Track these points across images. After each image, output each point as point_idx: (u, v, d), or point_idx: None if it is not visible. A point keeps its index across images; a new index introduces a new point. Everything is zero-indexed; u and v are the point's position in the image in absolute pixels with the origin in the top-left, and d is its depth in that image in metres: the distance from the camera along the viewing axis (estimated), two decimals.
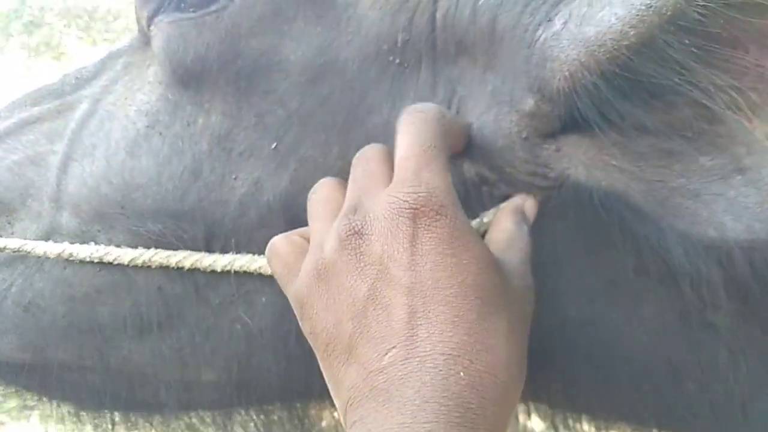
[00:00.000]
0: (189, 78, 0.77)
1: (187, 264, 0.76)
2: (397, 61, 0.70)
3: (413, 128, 0.61)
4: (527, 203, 0.65)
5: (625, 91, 0.55)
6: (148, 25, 0.82)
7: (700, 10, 0.48)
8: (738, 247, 0.54)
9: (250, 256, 0.74)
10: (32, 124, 0.91)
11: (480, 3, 0.63)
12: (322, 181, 0.68)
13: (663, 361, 0.69)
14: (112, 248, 0.78)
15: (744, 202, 0.53)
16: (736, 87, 0.52)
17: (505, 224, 0.63)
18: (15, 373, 0.90)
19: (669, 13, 0.48)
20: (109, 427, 0.93)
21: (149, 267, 0.77)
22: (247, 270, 0.74)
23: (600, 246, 0.65)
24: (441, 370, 0.50)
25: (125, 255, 0.77)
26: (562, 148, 0.61)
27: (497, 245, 0.62)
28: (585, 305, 0.68)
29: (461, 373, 0.50)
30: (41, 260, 0.83)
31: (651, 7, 0.49)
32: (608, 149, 0.58)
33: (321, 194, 0.66)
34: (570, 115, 0.58)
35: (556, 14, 0.58)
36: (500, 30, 0.62)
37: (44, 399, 0.95)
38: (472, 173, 0.67)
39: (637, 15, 0.49)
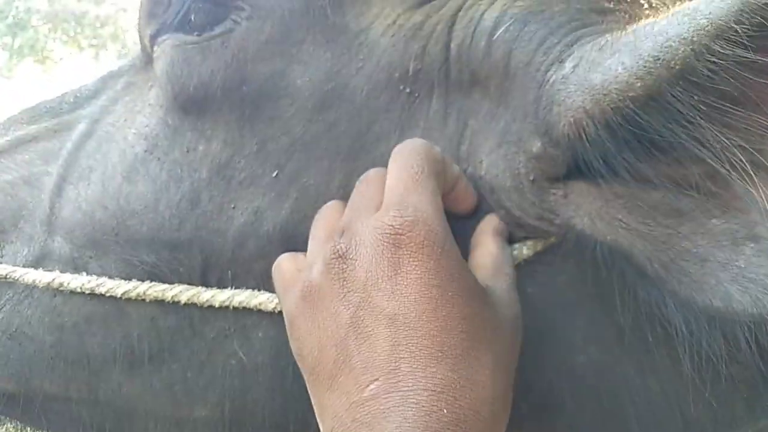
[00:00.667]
0: (191, 104, 0.74)
1: (183, 299, 0.73)
2: (408, 90, 0.68)
3: (402, 156, 0.61)
4: (502, 224, 0.63)
5: (630, 142, 0.53)
6: (152, 45, 0.80)
7: (710, 66, 0.46)
8: (744, 321, 0.52)
9: (249, 291, 0.72)
10: (28, 143, 0.88)
11: (496, 36, 0.62)
12: (327, 204, 0.67)
13: (675, 411, 0.67)
14: (105, 279, 0.75)
15: (754, 273, 0.50)
16: (743, 147, 0.49)
17: (490, 247, 0.61)
18: (2, 404, 0.86)
19: (678, 67, 0.47)
20: None
21: (143, 300, 0.74)
22: (247, 306, 0.71)
23: (604, 298, 0.63)
24: (423, 407, 0.49)
25: (118, 287, 0.74)
26: (570, 194, 0.59)
27: (483, 271, 0.60)
28: (594, 352, 0.67)
29: (444, 410, 0.49)
30: (30, 287, 0.80)
31: (659, 59, 0.47)
32: (614, 202, 0.56)
33: (323, 217, 0.65)
34: (577, 161, 0.57)
35: (569, 56, 0.56)
36: (514, 66, 0.61)
37: (27, 427, 0.92)
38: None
39: (645, 67, 0.48)
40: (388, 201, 0.58)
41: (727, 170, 0.50)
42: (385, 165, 0.66)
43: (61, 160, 0.83)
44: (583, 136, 0.53)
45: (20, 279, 0.78)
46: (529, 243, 0.64)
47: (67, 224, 0.79)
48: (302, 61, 0.71)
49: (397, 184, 0.59)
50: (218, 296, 0.72)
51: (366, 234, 0.56)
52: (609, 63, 0.51)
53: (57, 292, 0.79)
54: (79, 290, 0.75)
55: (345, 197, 0.67)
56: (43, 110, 0.93)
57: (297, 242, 0.69)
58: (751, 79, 0.47)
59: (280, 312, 0.70)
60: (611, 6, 0.61)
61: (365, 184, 0.63)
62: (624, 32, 0.53)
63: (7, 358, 0.82)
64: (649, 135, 0.52)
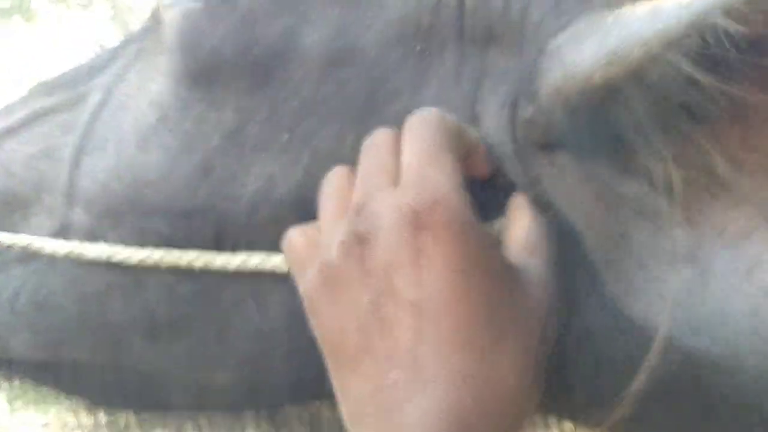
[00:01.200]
0: (201, 73, 0.74)
1: (198, 264, 0.73)
2: (420, 47, 0.67)
3: (417, 129, 0.59)
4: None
5: (595, 129, 0.53)
6: (162, 8, 0.79)
7: (662, 73, 0.46)
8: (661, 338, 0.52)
9: (263, 254, 0.72)
10: (45, 116, 0.88)
11: None
12: (333, 170, 0.65)
13: None
14: (121, 248, 0.76)
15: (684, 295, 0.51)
16: (677, 159, 0.50)
17: (525, 221, 0.58)
18: (30, 370, 0.90)
19: (633, 67, 0.47)
20: (123, 424, 0.93)
21: (159, 268, 0.75)
22: (261, 269, 0.71)
23: None
24: (447, 397, 0.48)
25: (134, 255, 0.75)
26: (555, 163, 0.59)
27: (517, 248, 0.57)
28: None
29: (468, 400, 0.48)
30: (54, 258, 0.81)
31: (617, 54, 0.47)
32: (587, 182, 0.57)
33: (331, 187, 0.63)
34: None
35: (570, 25, 0.56)
36: (528, 25, 0.60)
37: (60, 393, 0.94)
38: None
39: (605, 59, 0.48)
40: (406, 179, 0.56)
41: (657, 183, 0.51)
42: (398, 125, 0.65)
43: (78, 131, 0.84)
44: (557, 111, 0.54)
45: (41, 249, 0.80)
46: None
47: (85, 195, 0.80)
48: (311, 19, 0.70)
49: (415, 160, 0.57)
50: (232, 261, 0.72)
51: (385, 215, 0.54)
52: (583, 46, 0.51)
53: (78, 263, 0.80)
54: (96, 259, 0.76)
55: (357, 159, 0.66)
56: (59, 82, 0.93)
57: (309, 206, 0.69)
58: (697, 94, 0.47)
59: None
60: None
61: (375, 149, 0.61)
62: (610, 15, 0.52)
63: (36, 327, 0.84)
64: (608, 123, 0.52)
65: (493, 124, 0.63)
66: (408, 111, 0.65)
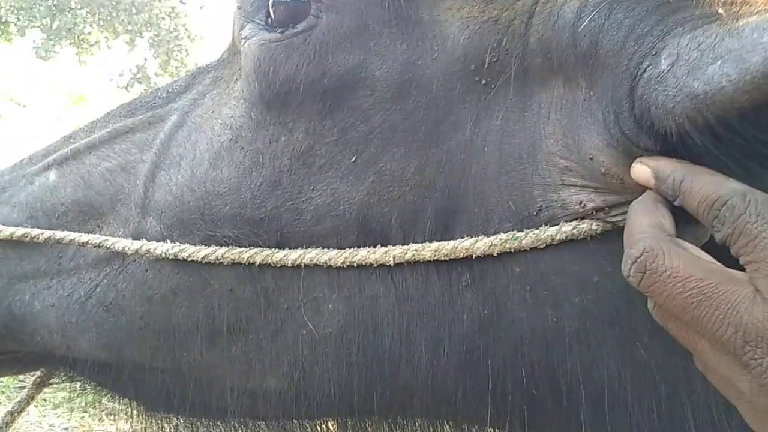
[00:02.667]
0: (275, 100, 0.80)
1: (258, 259, 0.78)
2: (484, 81, 0.70)
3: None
4: None
5: (734, 152, 0.53)
6: (239, 37, 0.85)
7: None
8: None
9: (318, 249, 0.76)
10: (125, 134, 0.96)
11: (581, 27, 0.63)
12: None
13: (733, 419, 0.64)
14: (186, 246, 0.82)
15: None
16: None
17: None
18: (91, 370, 0.95)
19: None
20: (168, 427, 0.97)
21: (222, 264, 0.80)
22: (317, 263, 0.75)
23: None
24: None
25: (199, 252, 0.80)
26: None
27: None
28: (659, 349, 0.66)
29: None
30: (125, 263, 0.87)
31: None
32: None
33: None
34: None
35: (663, 48, 0.56)
36: (603, 55, 0.61)
37: (117, 397, 0.99)
38: (589, 205, 0.65)
39: (753, 81, 0.47)
40: None
41: None
42: (461, 153, 0.70)
43: (154, 149, 0.91)
44: (686, 140, 0.54)
45: (112, 246, 0.86)
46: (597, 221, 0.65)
47: (158, 206, 0.86)
48: (379, 53, 0.75)
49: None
50: (290, 255, 0.77)
51: None
52: (711, 71, 0.50)
53: (148, 266, 0.86)
54: (164, 255, 0.82)
55: (419, 183, 0.71)
56: (139, 104, 1.01)
57: (369, 221, 0.74)
58: None
59: (349, 285, 0.76)
60: None
61: None
62: (723, 31, 0.52)
63: (102, 328, 0.89)
64: (753, 145, 0.52)
65: (596, 151, 0.62)
66: (472, 141, 0.70)
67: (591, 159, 0.63)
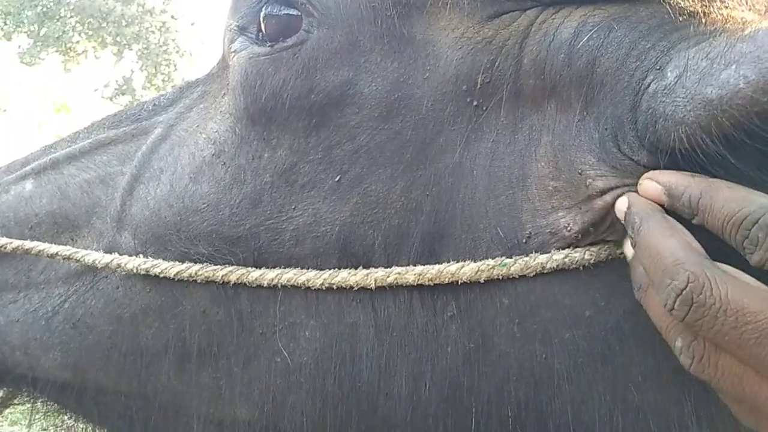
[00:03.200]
0: (260, 115, 0.77)
1: (233, 278, 0.75)
2: (475, 102, 0.68)
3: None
4: None
5: (749, 160, 0.50)
6: (228, 51, 0.83)
7: None
8: None
9: (297, 270, 0.73)
10: (107, 146, 0.93)
11: (578, 45, 0.61)
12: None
13: None
14: (159, 261, 0.78)
15: None
16: None
17: None
18: (54, 391, 0.90)
19: None
20: None
21: (195, 283, 0.77)
22: (295, 284, 0.72)
23: None
24: None
25: (172, 268, 0.77)
26: None
27: None
28: (653, 392, 0.64)
29: None
30: (96, 279, 0.84)
31: None
32: None
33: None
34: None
35: (668, 62, 0.54)
36: (600, 73, 0.60)
37: (79, 419, 0.94)
38: (574, 228, 0.63)
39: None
40: None
41: None
42: (449, 176, 0.67)
43: (135, 162, 0.87)
44: (698, 151, 0.51)
45: (82, 259, 0.82)
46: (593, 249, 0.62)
47: (134, 221, 0.83)
48: (369, 70, 0.73)
49: None
50: (267, 274, 0.73)
51: None
52: (726, 76, 0.49)
53: (120, 284, 0.82)
54: (135, 271, 0.79)
55: (405, 206, 0.69)
56: (124, 116, 0.98)
57: (352, 244, 0.71)
58: None
59: (327, 312, 0.72)
60: (699, 8, 0.58)
61: None
62: (733, 39, 0.51)
63: (67, 347, 0.85)
64: None
65: (602, 170, 0.60)
66: (461, 164, 0.68)
67: (580, 174, 0.61)
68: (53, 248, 0.84)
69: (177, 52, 10.82)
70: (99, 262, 0.81)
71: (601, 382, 0.63)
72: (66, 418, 0.94)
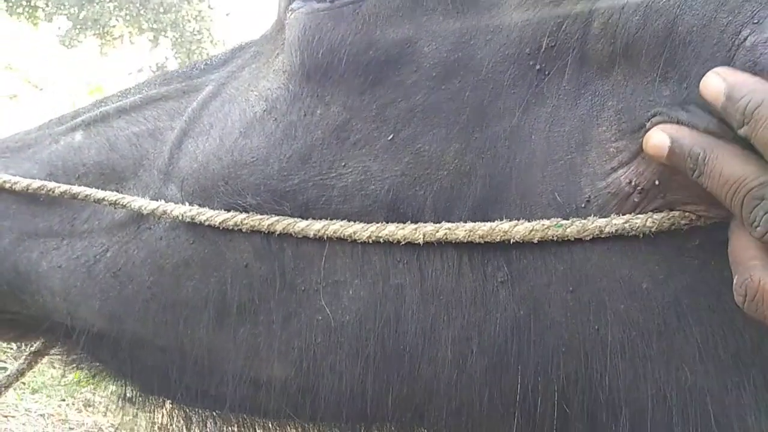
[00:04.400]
0: (315, 71, 0.76)
1: (279, 228, 0.73)
2: (538, 66, 0.66)
3: None
4: None
5: None
6: (285, 13, 0.82)
7: None
8: None
9: (343, 222, 0.71)
10: (157, 101, 0.93)
11: (657, 6, 0.59)
12: None
13: None
14: (205, 209, 0.77)
15: None
16: None
17: None
18: (90, 341, 0.90)
19: None
20: (159, 417, 0.92)
21: (240, 235, 0.76)
22: (342, 236, 0.71)
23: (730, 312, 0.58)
24: None
25: (218, 216, 0.76)
26: None
27: None
28: (710, 373, 0.62)
29: None
30: (140, 229, 0.84)
31: None
32: None
33: None
34: None
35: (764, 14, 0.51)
36: (682, 32, 0.57)
37: (112, 375, 0.94)
38: (636, 182, 0.60)
39: None
40: None
41: None
42: (506, 140, 0.66)
43: (185, 117, 0.87)
44: None
45: (128, 205, 0.82)
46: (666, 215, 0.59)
47: (181, 173, 0.83)
48: (431, 29, 0.72)
49: None
50: (313, 225, 0.72)
51: None
52: None
53: (163, 234, 0.82)
54: (180, 218, 0.78)
55: (458, 168, 0.67)
56: (175, 75, 0.98)
57: (401, 204, 0.69)
58: None
59: (373, 272, 0.71)
60: None
61: None
62: None
63: (107, 295, 0.85)
64: None
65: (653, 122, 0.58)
66: (519, 128, 0.66)
67: (646, 125, 0.59)
68: (100, 193, 0.84)
69: (211, 41, 10.95)
70: (145, 208, 0.80)
71: (656, 359, 0.61)
72: (99, 371, 0.94)
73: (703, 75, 0.54)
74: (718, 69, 0.53)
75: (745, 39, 0.52)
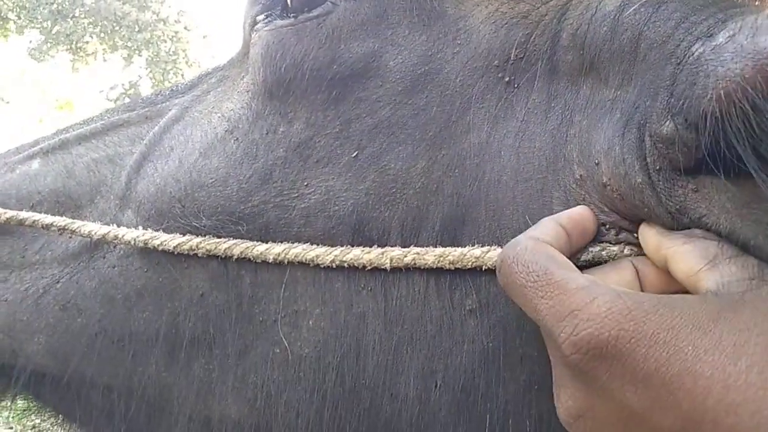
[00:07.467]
0: (278, 87, 0.74)
1: (236, 252, 0.69)
2: (507, 78, 0.65)
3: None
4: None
5: None
6: (251, 33, 0.81)
7: None
8: None
9: (306, 245, 0.67)
10: (119, 127, 0.90)
11: (623, 19, 0.57)
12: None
13: None
14: (159, 233, 0.74)
15: None
16: None
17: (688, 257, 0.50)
18: (37, 384, 0.85)
19: None
20: None
21: (195, 262, 0.72)
22: (303, 260, 0.67)
23: None
24: None
25: (172, 240, 0.72)
26: (702, 188, 0.50)
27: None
28: None
29: None
30: (92, 259, 0.80)
31: None
32: (765, 202, 0.47)
33: None
34: (716, 148, 0.48)
35: (722, 30, 0.50)
36: (645, 46, 0.56)
37: (60, 419, 0.89)
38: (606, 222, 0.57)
39: None
40: None
41: None
42: (475, 156, 0.63)
43: (145, 141, 0.85)
44: (734, 113, 0.45)
45: (78, 230, 0.78)
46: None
47: (138, 197, 0.80)
48: (396, 43, 0.70)
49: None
50: (273, 249, 0.68)
51: None
52: None
53: (116, 263, 0.78)
54: (133, 243, 0.74)
55: (425, 184, 0.64)
56: (139, 101, 0.96)
57: (367, 226, 0.66)
58: None
59: (335, 300, 0.67)
60: None
61: None
62: None
63: (55, 329, 0.80)
64: None
65: (612, 157, 0.55)
66: (488, 143, 0.63)
67: (597, 165, 0.56)
68: (48, 218, 0.80)
69: (186, 62, 10.90)
70: (96, 233, 0.76)
71: None
72: (46, 416, 0.90)
73: (656, 89, 0.53)
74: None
75: (695, 52, 0.50)
